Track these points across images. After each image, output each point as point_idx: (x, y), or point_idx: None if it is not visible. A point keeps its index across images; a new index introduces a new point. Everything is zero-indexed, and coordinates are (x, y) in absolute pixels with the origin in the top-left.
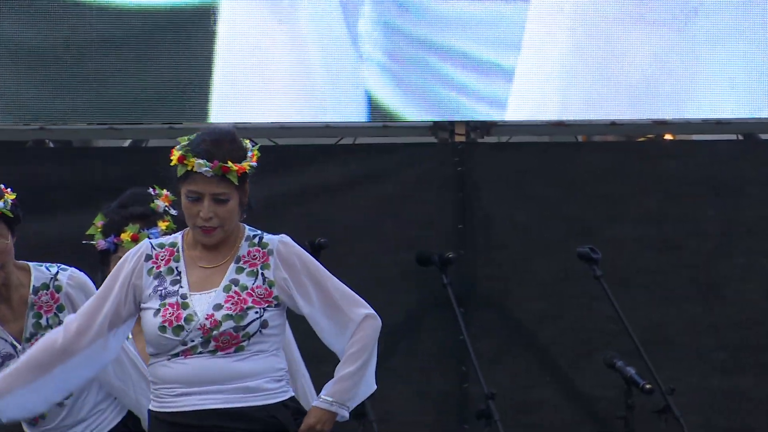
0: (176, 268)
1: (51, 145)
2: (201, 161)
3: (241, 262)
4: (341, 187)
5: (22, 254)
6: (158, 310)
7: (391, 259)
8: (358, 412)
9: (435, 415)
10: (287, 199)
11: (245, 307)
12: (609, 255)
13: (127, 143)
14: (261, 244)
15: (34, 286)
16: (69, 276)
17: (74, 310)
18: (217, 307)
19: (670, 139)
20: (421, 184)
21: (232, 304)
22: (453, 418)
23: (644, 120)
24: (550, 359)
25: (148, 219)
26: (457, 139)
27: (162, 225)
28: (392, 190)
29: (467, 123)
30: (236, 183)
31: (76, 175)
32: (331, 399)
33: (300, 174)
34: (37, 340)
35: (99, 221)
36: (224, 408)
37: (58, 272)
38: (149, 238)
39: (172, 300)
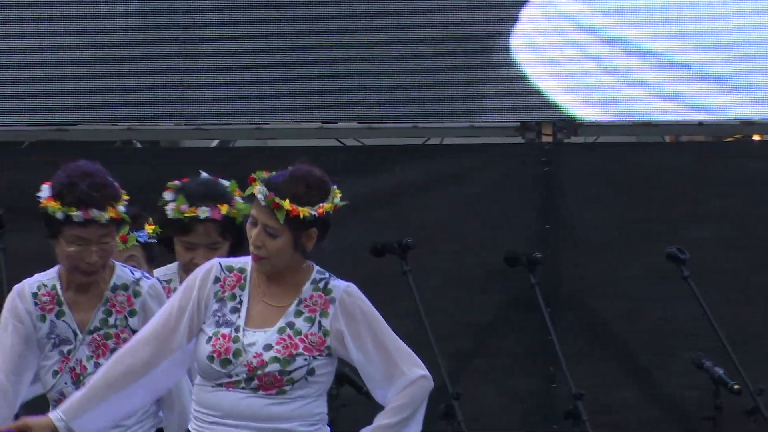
0: (240, 296)
1: (138, 145)
2: (260, 188)
3: (302, 306)
4: (428, 188)
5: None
6: (210, 338)
7: (477, 260)
8: (447, 413)
9: (522, 416)
10: (375, 199)
11: (295, 352)
12: (693, 255)
13: (214, 143)
14: (325, 290)
15: (114, 284)
16: (150, 285)
17: (145, 320)
18: (268, 347)
19: (758, 140)
20: (508, 184)
21: (283, 347)
22: (540, 419)
23: (732, 120)
24: (635, 359)
25: (137, 221)
26: (544, 139)
27: (149, 228)
28: (479, 190)
29: (554, 123)
30: (282, 222)
31: (163, 175)
32: None
33: (387, 174)
34: (99, 335)
35: None
36: None
37: (140, 278)
38: (137, 240)
39: (226, 330)
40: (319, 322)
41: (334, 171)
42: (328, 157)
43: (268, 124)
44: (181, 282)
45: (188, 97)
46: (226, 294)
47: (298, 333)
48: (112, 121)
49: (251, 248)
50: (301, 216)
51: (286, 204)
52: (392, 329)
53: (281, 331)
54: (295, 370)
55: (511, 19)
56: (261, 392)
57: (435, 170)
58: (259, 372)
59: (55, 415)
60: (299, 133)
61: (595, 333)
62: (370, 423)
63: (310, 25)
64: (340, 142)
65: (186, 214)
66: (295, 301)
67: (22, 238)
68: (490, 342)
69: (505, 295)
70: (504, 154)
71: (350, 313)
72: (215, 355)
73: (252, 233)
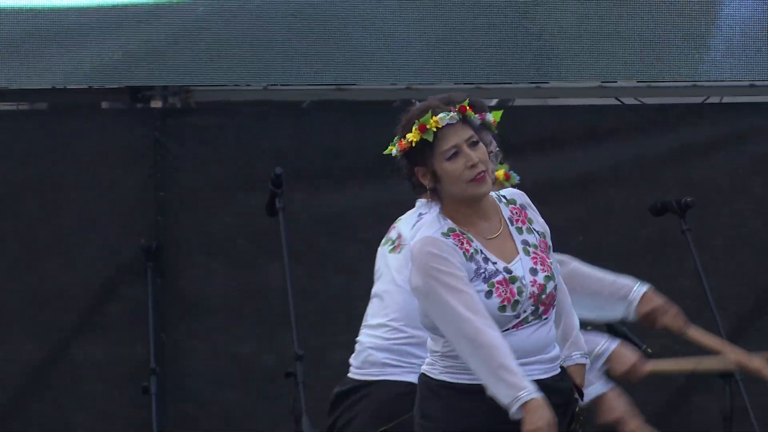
0: (475, 247)
1: (418, 104)
2: (442, 114)
3: (513, 224)
4: (709, 148)
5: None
6: (490, 291)
7: (761, 219)
8: (725, 374)
9: None
10: (656, 158)
11: (549, 263)
12: None
13: (493, 102)
14: (510, 201)
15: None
16: None
17: None
18: (533, 271)
19: None
20: None
21: (541, 264)
22: None
23: None
24: None
25: None
26: None
27: None
28: (760, 149)
29: None
30: (478, 124)
31: None
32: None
33: (667, 134)
34: None
35: None
36: (545, 378)
37: None
38: None
39: (499, 278)
40: (533, 229)
41: (612, 130)
42: (606, 116)
43: (548, 83)
44: None
45: (468, 58)
46: (470, 251)
47: (535, 246)
48: (392, 81)
49: (466, 175)
50: (488, 120)
51: (470, 111)
52: (673, 288)
53: (526, 252)
54: (557, 279)
55: None
56: (543, 318)
57: (716, 130)
58: (542, 297)
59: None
60: (578, 92)
61: None
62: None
63: None
64: (619, 100)
65: None
66: (506, 222)
67: (302, 197)
68: None
69: None
70: None
71: (532, 204)
72: (506, 303)
73: (460, 162)
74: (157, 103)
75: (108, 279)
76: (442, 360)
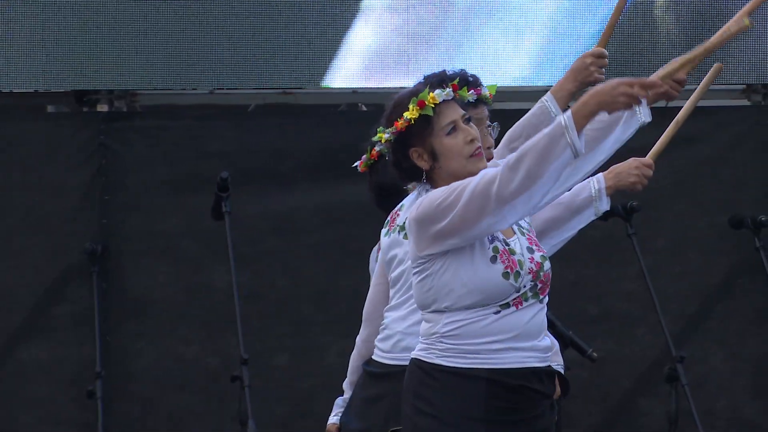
0: None
1: (364, 108)
2: (439, 91)
3: None
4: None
5: (348, 214)
6: (495, 257)
7: (706, 222)
8: (671, 376)
9: (749, 379)
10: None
11: (541, 246)
12: None
13: None
14: None
15: None
16: None
17: None
18: (530, 250)
19: None
20: (734, 147)
21: (536, 245)
22: (767, 382)
23: None
24: None
25: None
26: None
27: None
28: (706, 152)
29: None
30: (474, 98)
31: None
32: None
33: None
34: None
35: None
36: (539, 367)
37: None
38: None
39: (501, 247)
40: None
41: None
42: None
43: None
44: None
45: (410, 60)
46: None
47: (528, 230)
48: (337, 85)
49: (466, 151)
50: (484, 94)
51: (464, 91)
52: (619, 291)
53: (521, 233)
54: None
55: None
56: (541, 298)
57: (660, 133)
58: (540, 274)
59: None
60: (522, 96)
61: None
62: (594, 387)
63: None
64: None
65: None
66: None
67: (248, 200)
68: (719, 305)
69: (733, 257)
70: (730, 117)
71: None
72: (509, 270)
73: (460, 136)
74: (102, 107)
75: (54, 281)
76: (440, 342)
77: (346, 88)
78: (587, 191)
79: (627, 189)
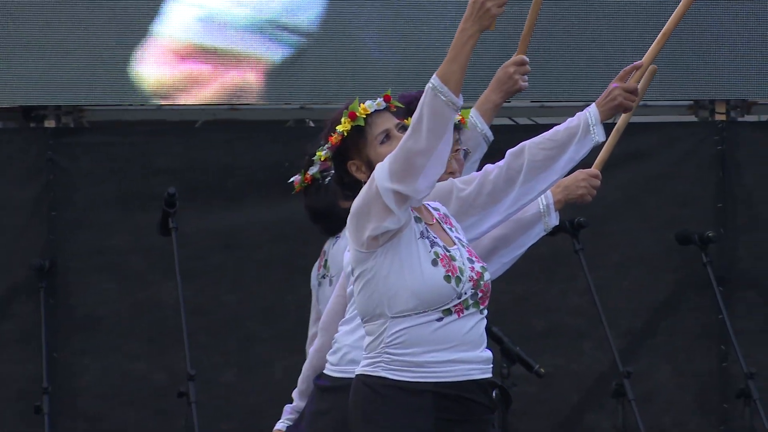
0: (420, 220)
1: (311, 124)
2: (369, 102)
3: (444, 224)
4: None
5: (295, 230)
6: (435, 260)
7: (652, 238)
8: (618, 391)
9: (695, 394)
10: None
11: (492, 264)
12: None
13: None
14: (435, 208)
15: None
16: None
17: None
18: (470, 260)
19: None
20: (682, 163)
21: (475, 257)
22: (713, 398)
23: None
24: None
25: None
26: (718, 117)
27: None
28: (653, 168)
29: (727, 101)
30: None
31: None
32: None
33: None
34: None
35: None
36: (480, 379)
37: None
38: None
39: (441, 251)
40: (460, 233)
41: (507, 150)
42: (501, 136)
43: None
44: None
45: (359, 77)
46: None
47: (467, 245)
48: (285, 101)
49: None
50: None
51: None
52: (566, 307)
53: (461, 245)
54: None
55: None
56: (481, 309)
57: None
58: (480, 283)
59: None
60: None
61: None
62: (542, 402)
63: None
64: (513, 121)
65: None
66: (437, 219)
67: (196, 216)
68: (665, 321)
69: (680, 273)
70: (678, 133)
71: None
72: (450, 274)
73: (393, 143)
74: (50, 123)
75: (0, 297)
76: (386, 354)
77: (294, 104)
78: (535, 207)
79: (576, 202)
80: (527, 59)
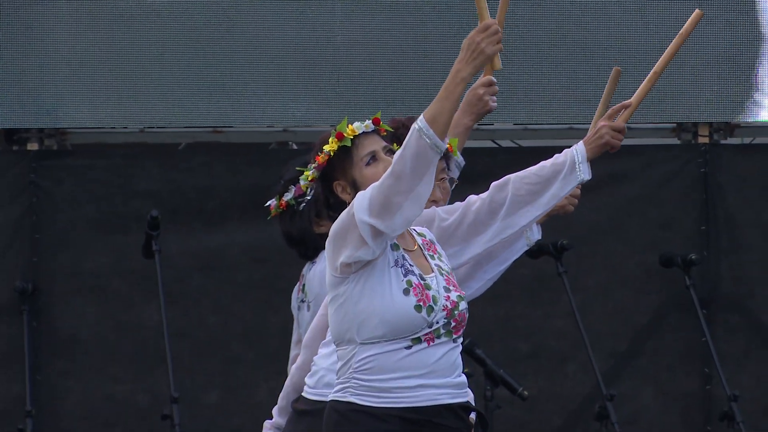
0: (398, 247)
1: (294, 147)
2: (357, 123)
3: (427, 251)
4: (585, 188)
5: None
6: (407, 290)
7: (635, 260)
8: (601, 414)
9: (679, 416)
10: None
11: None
12: None
13: None
14: (420, 234)
15: None
16: None
17: None
18: (447, 289)
19: None
20: (665, 185)
21: (453, 286)
22: (697, 420)
23: None
24: None
25: None
26: (701, 140)
27: None
28: (636, 191)
29: (710, 124)
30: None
31: None
32: None
33: None
34: None
35: None
36: (452, 403)
37: None
38: None
39: (416, 280)
40: (443, 261)
41: (489, 172)
42: (483, 158)
43: None
44: None
45: (341, 99)
46: (392, 245)
47: (447, 273)
48: (268, 123)
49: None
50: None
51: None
52: (549, 329)
53: (440, 272)
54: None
55: None
56: (454, 338)
57: (592, 171)
58: (455, 313)
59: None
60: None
61: (755, 335)
62: (525, 425)
63: (444, 27)
64: (496, 143)
65: None
66: (420, 246)
67: (177, 238)
68: (649, 342)
69: (663, 296)
70: (661, 156)
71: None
72: (421, 304)
73: (380, 166)
74: (33, 146)
75: None
76: (354, 380)
77: (277, 127)
78: None
79: (558, 213)
80: (494, 80)
